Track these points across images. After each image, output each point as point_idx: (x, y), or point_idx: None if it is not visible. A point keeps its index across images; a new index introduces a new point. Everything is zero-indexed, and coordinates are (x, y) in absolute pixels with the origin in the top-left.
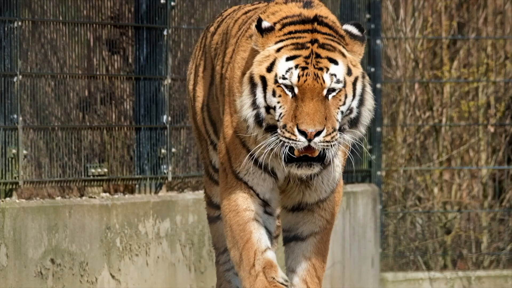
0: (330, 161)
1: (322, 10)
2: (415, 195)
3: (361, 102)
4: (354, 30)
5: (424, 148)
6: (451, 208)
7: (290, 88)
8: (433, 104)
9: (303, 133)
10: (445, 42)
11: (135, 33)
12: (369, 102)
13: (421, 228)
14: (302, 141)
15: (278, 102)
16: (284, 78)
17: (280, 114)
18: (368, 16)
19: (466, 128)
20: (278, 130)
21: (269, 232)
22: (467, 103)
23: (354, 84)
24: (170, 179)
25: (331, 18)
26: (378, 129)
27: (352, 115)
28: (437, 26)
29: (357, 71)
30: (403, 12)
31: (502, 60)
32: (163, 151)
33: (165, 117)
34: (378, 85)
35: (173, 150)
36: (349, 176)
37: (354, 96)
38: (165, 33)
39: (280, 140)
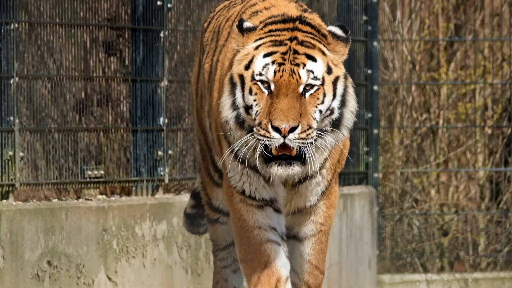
0: (315, 170)
1: (311, 14)
2: (412, 197)
3: (342, 103)
4: (337, 31)
5: (421, 150)
6: (448, 210)
7: (267, 84)
8: (430, 106)
9: (277, 129)
10: (442, 44)
11: (132, 35)
12: (351, 103)
13: (418, 230)
14: (276, 138)
15: (255, 100)
16: (260, 75)
17: (256, 112)
18: (365, 18)
19: (463, 130)
20: (254, 129)
21: (277, 230)
22: (464, 105)
23: (334, 83)
24: (166, 181)
25: (317, 20)
26: (375, 131)
27: (334, 116)
28: (434, 28)
29: (339, 71)
30: (400, 14)
31: (499, 62)
32: (159, 153)
33: (161, 119)
34: (375, 87)
35: (170, 152)
36: (346, 178)
37: (334, 96)
38: (161, 35)
39: (256, 139)
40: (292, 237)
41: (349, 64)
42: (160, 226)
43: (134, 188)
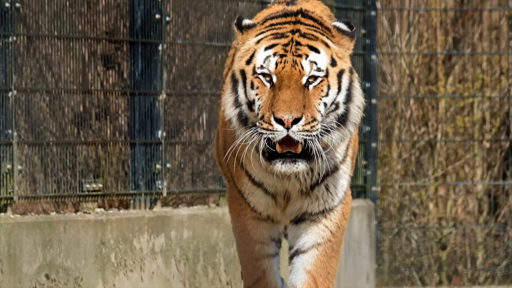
0: (333, 166)
1: (307, 6)
2: (410, 211)
3: (348, 98)
4: (342, 26)
5: (419, 163)
6: (446, 223)
7: (269, 77)
8: (428, 120)
9: (280, 121)
10: (440, 58)
11: (130, 48)
12: (358, 98)
13: (416, 244)
14: (279, 130)
15: (257, 95)
16: (262, 67)
17: (259, 106)
18: (363, 31)
19: (461, 143)
20: (257, 123)
21: (279, 241)
22: (462, 119)
23: (339, 76)
24: (165, 194)
25: (318, 12)
26: (373, 144)
27: (339, 111)
28: (432, 42)
29: (344, 64)
30: (398, 28)
31: (498, 75)
32: (158, 166)
33: (160, 132)
34: (374, 101)
35: (168, 165)
36: None
37: (339, 89)
38: (160, 48)
39: (259, 132)
40: (295, 253)
41: None
42: (158, 240)
43: (132, 201)
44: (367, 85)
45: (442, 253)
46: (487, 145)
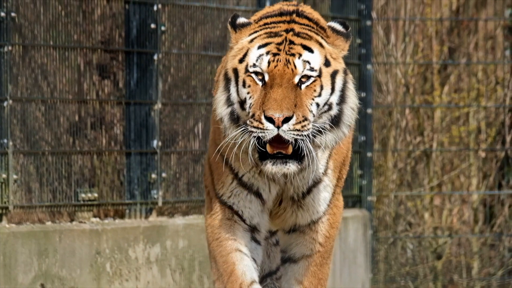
0: (318, 172)
1: (305, 7)
2: (406, 220)
3: (342, 99)
4: (337, 26)
5: (415, 173)
6: (441, 233)
7: (261, 76)
8: (424, 129)
9: (270, 120)
10: (436, 67)
11: (126, 57)
12: (352, 99)
13: (412, 253)
14: (270, 129)
15: (248, 93)
16: (254, 66)
17: (250, 104)
18: (359, 41)
19: (457, 153)
20: (247, 121)
21: (255, 261)
22: (458, 128)
23: (333, 77)
24: (160, 204)
25: (314, 14)
26: (369, 154)
27: (332, 112)
28: (428, 51)
29: (338, 65)
30: (394, 37)
31: (493, 85)
32: (153, 176)
33: (155, 142)
34: (369, 110)
35: (164, 175)
36: None
37: (333, 90)
38: (155, 57)
39: (249, 131)
40: (287, 259)
41: None
42: (154, 249)
43: (127, 211)
44: (363, 94)
45: (438, 262)
46: (483, 154)
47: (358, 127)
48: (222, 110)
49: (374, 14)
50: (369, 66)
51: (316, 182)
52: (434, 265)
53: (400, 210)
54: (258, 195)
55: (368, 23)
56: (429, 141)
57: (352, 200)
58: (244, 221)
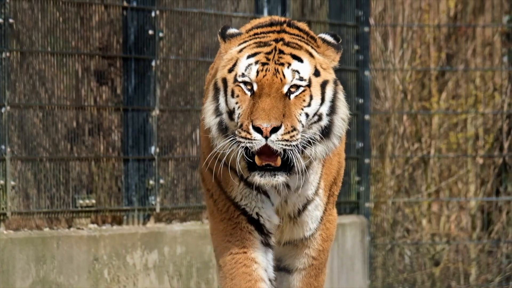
0: (309, 197)
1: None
2: (403, 227)
3: (332, 110)
4: (328, 37)
5: (412, 179)
6: (439, 239)
7: (250, 86)
8: (422, 136)
9: (258, 130)
10: (434, 74)
11: (123, 64)
12: (342, 110)
13: (410, 260)
14: (258, 139)
15: (237, 103)
16: (243, 76)
17: (239, 114)
18: (356, 47)
19: (454, 159)
20: (236, 131)
21: (266, 270)
22: (455, 135)
23: (322, 87)
24: (158, 210)
25: (305, 26)
26: (367, 160)
27: (322, 123)
28: (425, 58)
29: (328, 75)
30: (391, 44)
31: (491, 91)
32: (151, 182)
33: (153, 148)
34: (367, 117)
35: (161, 181)
36: (337, 207)
37: (323, 100)
38: (153, 64)
39: (237, 141)
40: (282, 268)
41: None
42: (151, 255)
43: (125, 217)
44: (360, 101)
45: (435, 269)
46: (481, 161)
47: (355, 133)
48: (210, 120)
49: (372, 21)
50: (366, 73)
51: (309, 201)
52: (432, 272)
53: (397, 217)
54: (266, 195)
55: (366, 29)
56: (427, 148)
57: (350, 206)
58: (262, 227)
